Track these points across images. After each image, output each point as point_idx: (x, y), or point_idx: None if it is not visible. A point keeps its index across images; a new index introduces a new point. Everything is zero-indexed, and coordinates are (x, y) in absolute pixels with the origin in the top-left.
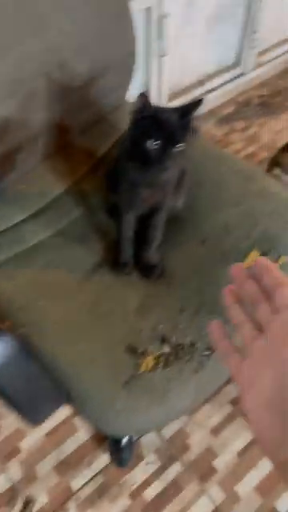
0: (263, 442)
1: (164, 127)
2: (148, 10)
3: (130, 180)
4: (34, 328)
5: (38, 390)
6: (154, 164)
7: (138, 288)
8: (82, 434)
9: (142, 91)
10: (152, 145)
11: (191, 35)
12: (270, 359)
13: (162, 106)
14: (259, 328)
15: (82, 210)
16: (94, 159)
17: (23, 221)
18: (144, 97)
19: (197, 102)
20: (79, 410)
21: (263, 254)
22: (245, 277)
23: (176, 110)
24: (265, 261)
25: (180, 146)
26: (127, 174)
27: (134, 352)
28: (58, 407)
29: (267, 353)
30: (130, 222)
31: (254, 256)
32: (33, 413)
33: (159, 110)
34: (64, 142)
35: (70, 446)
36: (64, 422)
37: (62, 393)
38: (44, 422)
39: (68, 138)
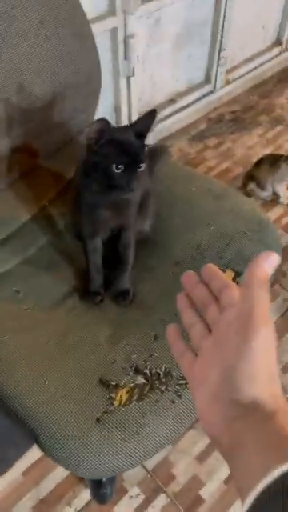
0: (212, 437)
1: (126, 149)
2: (113, 30)
3: (91, 204)
4: None
5: (1, 436)
6: (120, 187)
7: (109, 316)
8: (61, 469)
9: (99, 118)
10: (116, 169)
11: (159, 54)
12: (216, 357)
13: (117, 126)
14: (209, 329)
15: (49, 236)
16: (62, 182)
17: None
18: (103, 121)
19: (150, 114)
20: (48, 455)
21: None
22: (195, 282)
23: (131, 127)
24: (212, 266)
25: (142, 166)
26: (89, 197)
27: (107, 385)
28: (25, 451)
29: (214, 351)
30: (95, 247)
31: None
32: None
33: (117, 132)
34: (29, 167)
35: (48, 483)
36: (41, 459)
37: (29, 436)
38: (9, 469)
39: (34, 162)
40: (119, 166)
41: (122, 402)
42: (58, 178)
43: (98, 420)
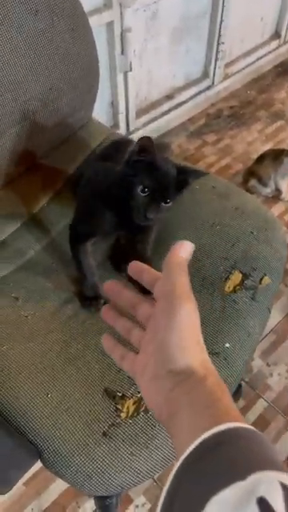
0: (157, 415)
1: (160, 178)
2: (110, 24)
3: (101, 216)
4: None
5: (2, 456)
6: (136, 210)
7: None
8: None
9: (146, 135)
10: (139, 192)
11: (156, 49)
12: (151, 342)
13: (163, 156)
14: (144, 327)
15: (48, 239)
16: (60, 182)
17: None
18: (148, 140)
19: (199, 173)
20: (53, 471)
21: (245, 275)
22: (121, 288)
23: (176, 166)
24: (139, 263)
25: (169, 203)
26: (100, 209)
27: (113, 396)
28: (28, 469)
29: (150, 339)
30: (86, 249)
31: (235, 279)
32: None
33: (160, 159)
34: (26, 166)
35: (50, 494)
36: (42, 469)
37: (32, 453)
38: (12, 488)
39: (30, 162)
40: (145, 190)
41: (130, 414)
42: (56, 177)
43: (104, 434)
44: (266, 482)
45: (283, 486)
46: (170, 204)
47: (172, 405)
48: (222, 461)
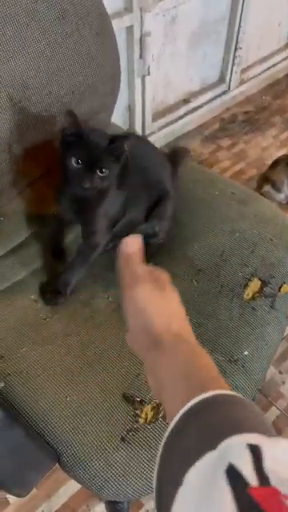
0: (141, 358)
1: (91, 149)
2: (129, 28)
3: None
4: (18, 379)
5: (23, 459)
6: (74, 182)
7: None
8: (74, 482)
9: (68, 109)
10: (73, 164)
11: (174, 53)
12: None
13: (94, 128)
14: None
15: (68, 241)
16: None
17: (3, 256)
18: (71, 115)
19: (129, 136)
20: (71, 475)
21: (264, 282)
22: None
23: (107, 135)
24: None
25: (104, 171)
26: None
27: (132, 401)
28: (47, 472)
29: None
30: (54, 228)
31: (254, 286)
32: (18, 485)
33: (90, 132)
34: (45, 170)
35: (61, 496)
36: (53, 471)
37: (51, 457)
38: (30, 491)
39: (49, 165)
40: (78, 161)
41: (148, 420)
42: None
43: (122, 439)
44: (235, 448)
45: (252, 447)
46: (105, 173)
47: (158, 378)
48: (198, 432)
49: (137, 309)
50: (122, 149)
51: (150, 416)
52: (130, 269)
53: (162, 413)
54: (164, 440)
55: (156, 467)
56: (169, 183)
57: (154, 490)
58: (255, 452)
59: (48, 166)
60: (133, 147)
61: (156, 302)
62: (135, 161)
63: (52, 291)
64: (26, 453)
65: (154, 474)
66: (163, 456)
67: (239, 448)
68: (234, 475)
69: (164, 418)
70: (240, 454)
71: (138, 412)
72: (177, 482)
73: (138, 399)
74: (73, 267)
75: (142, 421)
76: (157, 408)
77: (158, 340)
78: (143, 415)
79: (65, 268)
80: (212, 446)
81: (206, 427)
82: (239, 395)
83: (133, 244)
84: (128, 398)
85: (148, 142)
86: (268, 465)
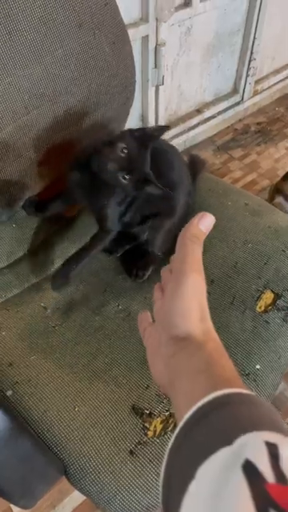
0: (159, 384)
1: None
2: (145, 38)
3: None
4: (26, 387)
5: (29, 468)
6: (95, 158)
7: (140, 336)
8: (78, 494)
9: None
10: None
11: (188, 64)
12: (160, 310)
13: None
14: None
15: (78, 249)
16: None
17: (13, 263)
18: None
19: (160, 128)
20: (77, 487)
21: (277, 295)
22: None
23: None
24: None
25: (124, 151)
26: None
27: (141, 414)
28: (53, 484)
29: (159, 311)
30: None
31: (267, 298)
32: (25, 496)
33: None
34: (56, 177)
35: (65, 507)
36: (58, 482)
37: (58, 468)
38: (36, 503)
39: (61, 172)
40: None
41: (157, 433)
42: None
43: (131, 452)
44: (252, 444)
45: (269, 445)
46: (125, 153)
47: (172, 371)
48: (212, 427)
49: (190, 295)
50: (150, 136)
51: (158, 429)
52: (194, 249)
53: (171, 426)
54: (176, 432)
55: (165, 460)
56: (182, 201)
57: (161, 483)
58: (272, 450)
59: (62, 172)
60: (162, 151)
61: (201, 296)
62: (160, 165)
63: (55, 275)
64: (32, 462)
65: (162, 467)
66: (174, 448)
67: (257, 444)
68: (251, 471)
69: (173, 431)
70: (257, 450)
71: (146, 425)
72: (188, 476)
73: (147, 412)
74: (85, 249)
75: (150, 434)
76: (166, 421)
77: (189, 331)
78: (152, 428)
79: (76, 251)
80: (228, 441)
81: (222, 422)
82: (257, 395)
83: (207, 221)
84: (137, 411)
85: (177, 152)
86: (285, 464)
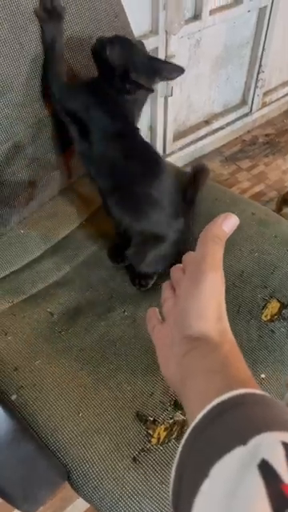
0: (171, 385)
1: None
2: (155, 50)
3: None
4: (31, 392)
5: (33, 473)
6: None
7: (145, 343)
8: (81, 502)
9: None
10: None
11: (197, 75)
12: (173, 309)
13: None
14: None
15: (85, 256)
16: (95, 204)
17: (20, 269)
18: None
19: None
20: (80, 494)
21: (283, 304)
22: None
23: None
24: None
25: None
26: None
27: (144, 421)
28: (56, 490)
29: (172, 305)
30: None
31: (273, 308)
32: (28, 500)
33: None
34: (68, 184)
35: None
36: (60, 489)
37: (61, 473)
38: (39, 508)
39: (73, 180)
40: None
41: (161, 441)
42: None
43: (134, 459)
44: (268, 444)
45: (285, 445)
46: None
47: (184, 370)
48: (227, 427)
49: (208, 294)
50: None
51: (162, 437)
52: (215, 248)
53: (175, 434)
54: (188, 431)
55: (176, 459)
56: (165, 224)
57: (172, 483)
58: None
59: (70, 183)
60: (153, 160)
61: (220, 296)
62: (143, 171)
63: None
64: (35, 466)
65: (173, 467)
66: (185, 447)
67: (273, 444)
68: (267, 471)
69: (177, 439)
70: (273, 450)
71: (150, 432)
72: (202, 474)
73: (151, 419)
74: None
75: (154, 441)
76: (170, 429)
77: (204, 332)
78: (156, 435)
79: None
80: (242, 441)
81: (236, 422)
82: (271, 396)
83: (231, 222)
84: (141, 417)
85: (169, 169)
86: None
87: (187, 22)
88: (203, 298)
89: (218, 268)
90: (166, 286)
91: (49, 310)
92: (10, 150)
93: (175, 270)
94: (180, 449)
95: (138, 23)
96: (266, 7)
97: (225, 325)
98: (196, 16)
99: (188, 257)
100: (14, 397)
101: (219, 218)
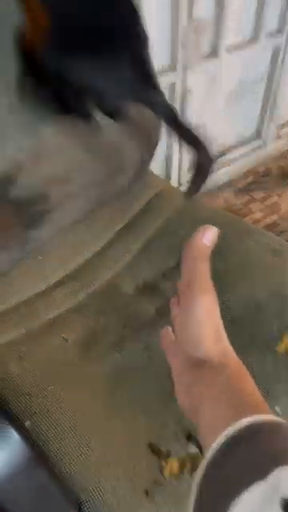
0: (185, 412)
1: None
2: (172, 85)
3: None
4: (44, 419)
5: (45, 502)
6: None
7: (161, 372)
8: None
9: None
10: None
11: (213, 109)
12: (180, 325)
13: None
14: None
15: (100, 283)
16: (120, 224)
17: (37, 294)
18: None
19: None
20: None
21: None
22: None
23: None
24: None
25: None
26: None
27: (158, 452)
28: None
29: (177, 325)
30: None
31: (284, 343)
32: None
33: None
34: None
35: None
36: None
37: (72, 504)
38: None
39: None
40: None
41: (173, 473)
42: (115, 220)
43: (146, 492)
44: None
45: None
46: None
47: (194, 399)
48: (243, 460)
49: (202, 320)
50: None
51: (175, 469)
52: (200, 267)
53: (188, 467)
54: (203, 464)
55: (193, 495)
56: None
57: None
58: None
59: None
60: None
61: (215, 316)
62: None
63: None
64: (48, 494)
65: (192, 503)
66: (202, 483)
67: None
68: None
69: (191, 472)
70: None
71: (163, 464)
72: (223, 509)
73: (164, 450)
74: None
75: (166, 474)
76: (183, 461)
77: (207, 355)
78: (168, 467)
79: None
80: (261, 475)
81: (253, 454)
82: (286, 422)
83: (211, 235)
84: (154, 449)
85: None
86: None
87: (204, 58)
88: (197, 324)
89: (207, 290)
90: (172, 303)
91: (63, 335)
92: None
93: (172, 305)
94: (196, 484)
95: (157, 59)
96: (280, 45)
97: (225, 344)
98: (213, 53)
99: (179, 285)
100: (27, 423)
101: (198, 232)
